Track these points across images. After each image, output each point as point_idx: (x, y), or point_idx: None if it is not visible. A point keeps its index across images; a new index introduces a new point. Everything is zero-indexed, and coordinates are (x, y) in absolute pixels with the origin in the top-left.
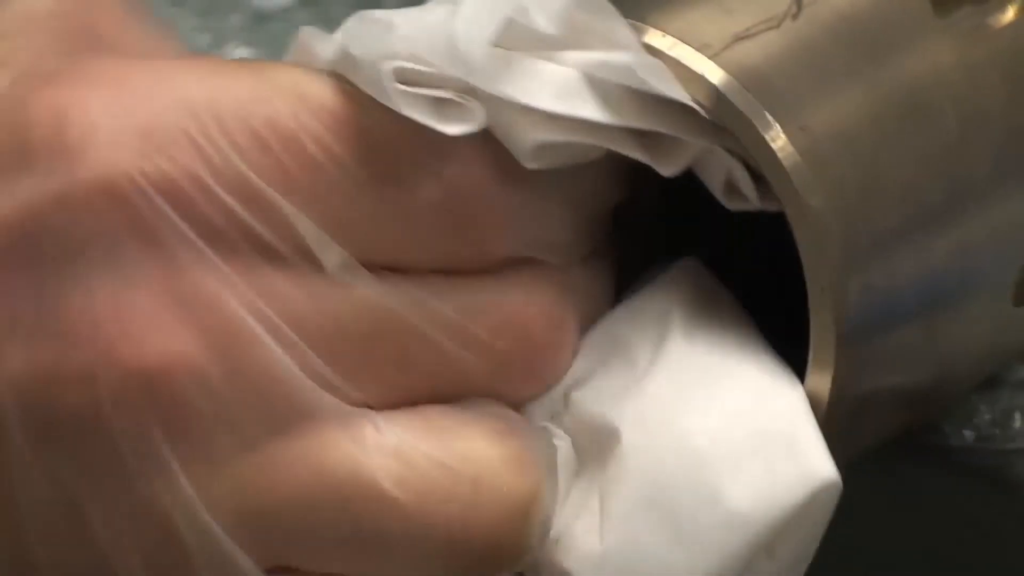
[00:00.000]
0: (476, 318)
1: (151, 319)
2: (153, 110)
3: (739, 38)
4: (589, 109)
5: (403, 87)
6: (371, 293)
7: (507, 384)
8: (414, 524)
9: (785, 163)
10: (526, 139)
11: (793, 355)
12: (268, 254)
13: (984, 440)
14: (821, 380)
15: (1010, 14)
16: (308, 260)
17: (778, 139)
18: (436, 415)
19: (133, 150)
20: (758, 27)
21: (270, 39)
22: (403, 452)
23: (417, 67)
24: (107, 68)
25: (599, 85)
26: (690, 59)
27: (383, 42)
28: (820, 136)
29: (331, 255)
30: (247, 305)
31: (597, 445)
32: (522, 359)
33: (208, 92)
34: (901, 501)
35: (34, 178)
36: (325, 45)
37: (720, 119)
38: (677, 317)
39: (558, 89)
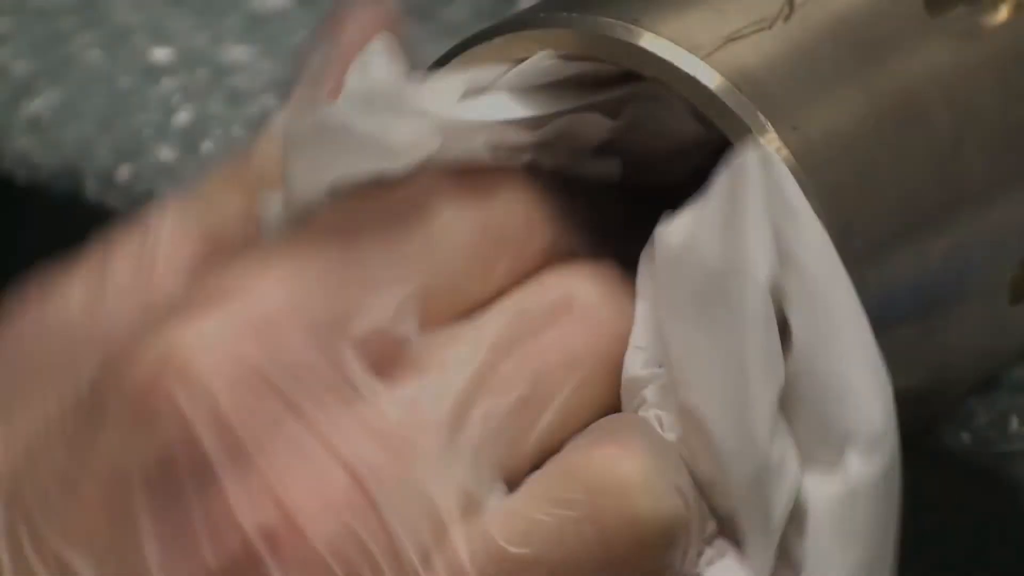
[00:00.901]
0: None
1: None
2: None
3: (731, 39)
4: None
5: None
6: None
7: None
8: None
9: None
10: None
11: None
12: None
13: (981, 442)
14: None
15: (1003, 14)
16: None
17: (772, 141)
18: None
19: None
20: (750, 28)
21: (268, 39)
22: (516, 509)
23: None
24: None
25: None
26: (682, 61)
27: None
28: (814, 137)
29: None
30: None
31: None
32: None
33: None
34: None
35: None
36: None
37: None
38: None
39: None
